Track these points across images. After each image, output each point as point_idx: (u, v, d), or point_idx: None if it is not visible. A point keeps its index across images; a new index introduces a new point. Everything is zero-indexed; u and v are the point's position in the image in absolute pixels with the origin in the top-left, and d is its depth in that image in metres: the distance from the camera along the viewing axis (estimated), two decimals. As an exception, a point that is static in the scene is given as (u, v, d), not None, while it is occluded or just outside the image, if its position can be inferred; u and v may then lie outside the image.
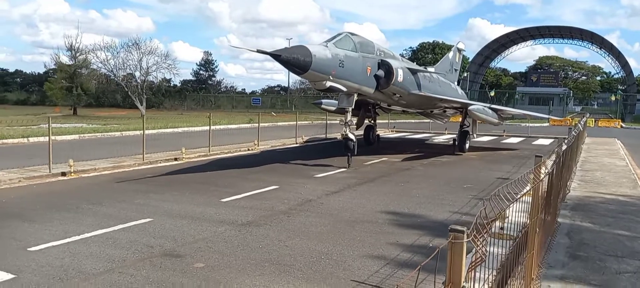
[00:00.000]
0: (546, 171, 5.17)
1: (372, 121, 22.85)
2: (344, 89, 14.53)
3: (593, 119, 48.32)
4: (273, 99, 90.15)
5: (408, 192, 11.87)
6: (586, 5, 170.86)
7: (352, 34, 15.11)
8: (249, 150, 20.92)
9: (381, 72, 15.77)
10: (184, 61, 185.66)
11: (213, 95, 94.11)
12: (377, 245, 7.42)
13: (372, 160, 18.08)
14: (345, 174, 14.63)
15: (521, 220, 5.58)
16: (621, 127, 46.91)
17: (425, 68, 22.05)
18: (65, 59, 61.03)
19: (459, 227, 2.22)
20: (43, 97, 77.83)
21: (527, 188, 5.67)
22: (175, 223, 8.45)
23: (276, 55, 12.24)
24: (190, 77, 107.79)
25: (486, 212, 2.86)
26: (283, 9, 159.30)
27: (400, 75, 16.08)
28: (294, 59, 12.48)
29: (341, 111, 16.53)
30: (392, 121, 38.92)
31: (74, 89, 60.53)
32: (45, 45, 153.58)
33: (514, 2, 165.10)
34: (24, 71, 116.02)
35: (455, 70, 26.53)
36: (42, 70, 64.84)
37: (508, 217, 5.89)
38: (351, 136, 15.50)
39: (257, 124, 23.68)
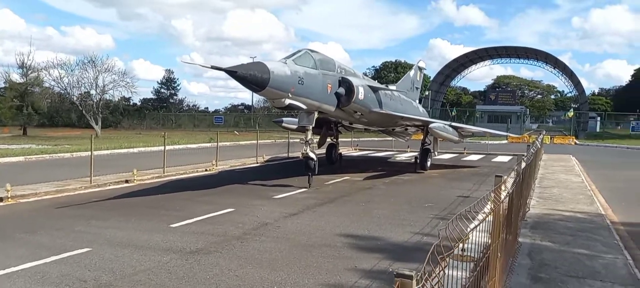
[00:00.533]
0: (507, 191, 4.91)
1: (335, 139, 22.57)
2: (304, 106, 14.16)
3: (549, 136, 49.86)
4: (236, 118, 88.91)
5: (369, 213, 11.52)
6: (541, 28, 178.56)
7: (312, 51, 14.82)
8: (206, 170, 20.17)
9: (342, 90, 15.51)
10: (145, 79, 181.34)
11: (174, 114, 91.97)
12: (335, 272, 6.98)
13: (333, 179, 17.72)
14: (306, 195, 14.18)
15: (483, 240, 5.32)
16: (575, 143, 48.55)
17: (387, 86, 22.02)
18: (16, 77, 58.37)
19: (406, 272, 1.83)
20: (-7, 118, 73.93)
21: (488, 207, 5.40)
22: (116, 252, 7.75)
23: (232, 72, 11.75)
24: (151, 96, 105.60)
25: (441, 245, 2.49)
26: (247, 28, 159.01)
27: (361, 93, 15.86)
28: (250, 76, 12.02)
29: (302, 129, 16.14)
30: (356, 139, 38.85)
31: (25, 108, 57.84)
32: (24, 65, 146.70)
33: (472, 24, 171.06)
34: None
35: (417, 88, 26.70)
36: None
37: (469, 238, 5.61)
38: (312, 155, 15.10)
39: (217, 143, 22.94)
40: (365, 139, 41.35)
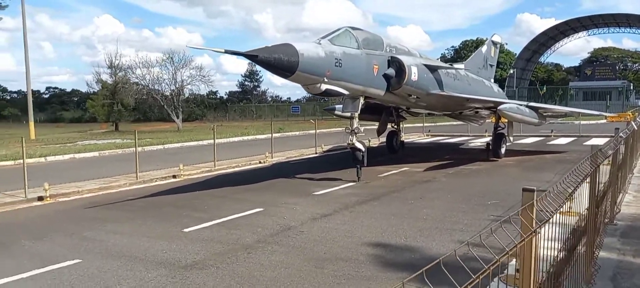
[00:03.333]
0: (551, 214, 3.12)
1: (395, 126, 20.72)
2: (345, 91, 12.63)
3: (657, 113, 43.48)
4: (315, 106, 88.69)
5: (415, 213, 9.80)
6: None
7: (354, 29, 13.16)
8: (260, 163, 19.36)
9: (391, 71, 13.73)
10: (232, 73, 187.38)
11: (254, 105, 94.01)
12: (341, 299, 5.51)
13: (390, 170, 16.03)
14: (350, 190, 12.70)
15: (550, 254, 3.85)
16: (691, 120, 41.90)
17: (451, 64, 19.70)
18: (106, 77, 62.54)
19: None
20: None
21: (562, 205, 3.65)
22: (104, 266, 6.88)
23: (252, 56, 10.49)
24: (236, 89, 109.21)
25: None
26: (325, 16, 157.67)
27: (414, 74, 13.97)
28: (275, 60, 10.67)
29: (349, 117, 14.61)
30: (429, 124, 36.40)
31: (115, 105, 61.76)
32: (104, 64, 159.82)
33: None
34: (81, 90, 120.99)
35: (491, 65, 23.87)
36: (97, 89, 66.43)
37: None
38: (359, 146, 13.56)
39: (271, 134, 22.10)
40: (440, 123, 38.66)
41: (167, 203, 11.35)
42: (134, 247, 7.77)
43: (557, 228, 4.31)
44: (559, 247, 4.88)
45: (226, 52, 10.44)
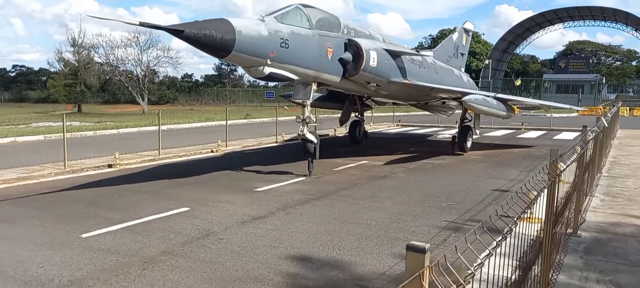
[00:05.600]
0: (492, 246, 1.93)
1: (359, 115, 19.52)
2: (294, 76, 11.32)
3: (627, 108, 43.48)
4: (291, 91, 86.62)
5: (360, 216, 8.63)
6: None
7: (305, 6, 11.80)
8: (212, 152, 17.97)
9: (348, 55, 12.45)
10: (208, 56, 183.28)
11: (228, 90, 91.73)
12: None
13: (347, 163, 14.85)
14: (298, 186, 11.48)
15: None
16: (660, 116, 42.02)
17: (418, 51, 18.55)
18: (69, 56, 59.56)
19: None
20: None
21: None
22: (-47, 286, 5.51)
23: (177, 31, 9.00)
24: (212, 72, 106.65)
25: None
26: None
27: (373, 59, 12.73)
28: (205, 37, 9.23)
29: (313, 105, 13.32)
30: (400, 114, 35.46)
31: (78, 85, 58.99)
32: (76, 43, 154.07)
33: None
34: (49, 69, 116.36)
35: (462, 54, 22.81)
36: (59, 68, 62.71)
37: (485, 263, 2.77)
38: (310, 137, 12.28)
39: (226, 120, 20.71)
40: (412, 113, 37.66)
41: (82, 199, 9.91)
42: (8, 258, 6.39)
43: (512, 240, 3.23)
44: (512, 265, 3.80)
45: (141, 24, 8.94)
